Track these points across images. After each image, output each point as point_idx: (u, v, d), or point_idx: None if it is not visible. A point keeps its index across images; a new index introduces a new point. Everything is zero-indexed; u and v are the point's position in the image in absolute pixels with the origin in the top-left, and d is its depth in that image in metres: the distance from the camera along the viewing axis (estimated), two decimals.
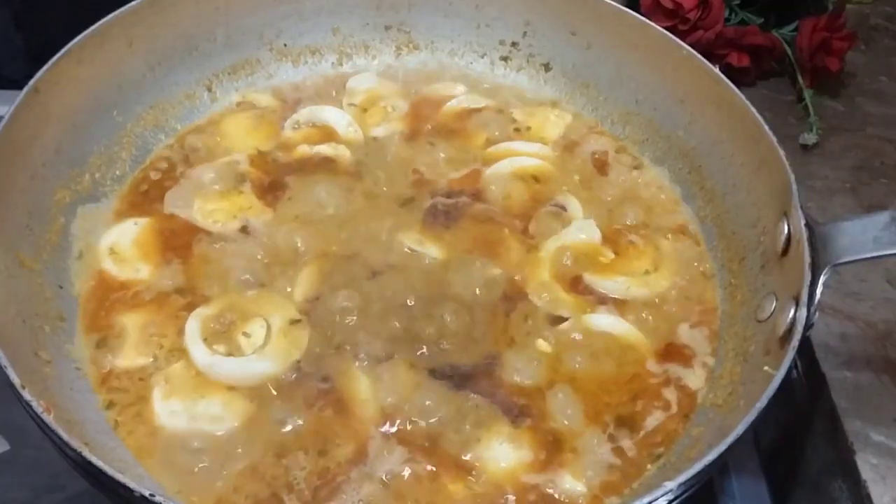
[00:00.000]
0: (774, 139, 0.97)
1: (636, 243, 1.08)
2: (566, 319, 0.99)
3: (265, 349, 0.93)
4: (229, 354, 0.92)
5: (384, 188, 1.11)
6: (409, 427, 0.88)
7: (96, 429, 0.87)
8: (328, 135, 1.18)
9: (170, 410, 0.89)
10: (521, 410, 0.90)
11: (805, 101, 1.29)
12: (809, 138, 1.24)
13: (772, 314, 0.90)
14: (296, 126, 1.19)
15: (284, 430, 0.88)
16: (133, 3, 1.09)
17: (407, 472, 0.85)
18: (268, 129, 1.19)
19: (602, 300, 1.01)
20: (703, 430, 0.89)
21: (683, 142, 1.14)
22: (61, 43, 1.02)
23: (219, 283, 0.99)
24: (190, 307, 0.97)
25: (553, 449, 0.88)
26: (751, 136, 1.01)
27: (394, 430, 0.88)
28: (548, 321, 0.98)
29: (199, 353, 0.92)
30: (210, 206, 1.07)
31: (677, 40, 1.12)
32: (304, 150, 1.16)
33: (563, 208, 1.10)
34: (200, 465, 0.85)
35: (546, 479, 0.86)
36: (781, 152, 0.95)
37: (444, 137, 1.19)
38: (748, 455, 1.07)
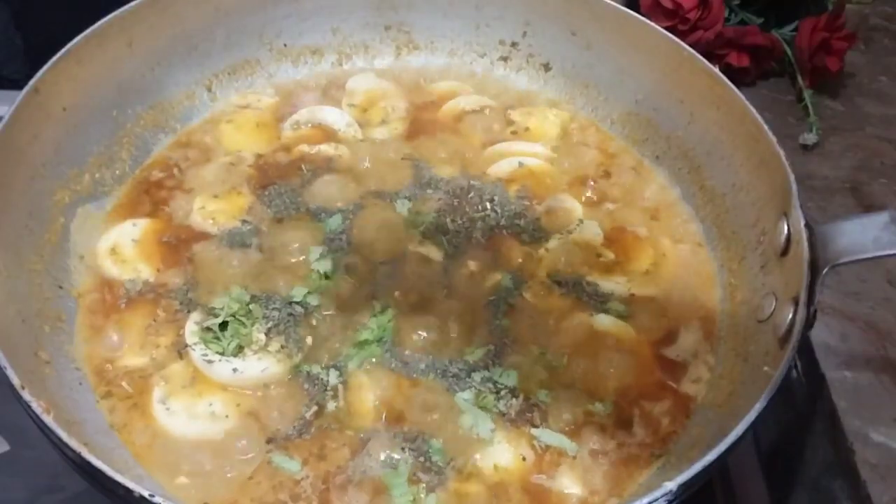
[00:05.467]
0: (774, 139, 0.97)
1: (636, 243, 1.08)
2: (566, 320, 0.98)
3: (265, 350, 0.93)
4: (229, 355, 0.92)
5: (384, 188, 1.11)
6: (408, 427, 0.88)
7: (96, 429, 0.87)
8: (328, 135, 1.19)
9: (169, 410, 0.89)
10: (520, 410, 0.90)
11: (805, 101, 1.29)
12: (809, 138, 1.24)
13: (771, 314, 0.90)
14: (296, 126, 1.19)
15: (284, 431, 0.88)
16: (133, 3, 1.09)
17: (406, 473, 0.85)
18: (268, 129, 1.20)
19: (602, 300, 1.01)
20: (703, 430, 0.89)
21: (683, 142, 1.14)
22: (61, 43, 1.02)
23: (218, 284, 0.99)
24: (189, 307, 0.97)
25: (552, 449, 0.88)
26: (751, 136, 1.01)
27: (393, 429, 0.88)
28: (548, 321, 0.98)
29: (199, 353, 0.92)
30: (210, 207, 1.07)
31: (677, 40, 1.12)
32: (304, 150, 1.16)
33: (563, 208, 1.10)
34: (200, 465, 0.85)
35: (545, 479, 0.86)
36: (781, 152, 0.95)
37: (444, 137, 1.19)
38: (748, 455, 1.06)
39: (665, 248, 1.08)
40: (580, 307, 1.00)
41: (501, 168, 1.14)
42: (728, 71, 1.23)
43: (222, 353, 0.92)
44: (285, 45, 1.26)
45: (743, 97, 1.03)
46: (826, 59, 1.30)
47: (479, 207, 1.08)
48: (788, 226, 0.91)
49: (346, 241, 1.04)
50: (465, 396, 0.90)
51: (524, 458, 0.87)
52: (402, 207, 1.08)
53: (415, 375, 0.92)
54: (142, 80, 1.14)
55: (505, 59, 1.29)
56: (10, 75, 1.67)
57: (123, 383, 0.92)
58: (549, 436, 0.88)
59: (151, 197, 1.10)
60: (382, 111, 1.22)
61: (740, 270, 1.02)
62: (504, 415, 0.89)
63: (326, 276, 0.99)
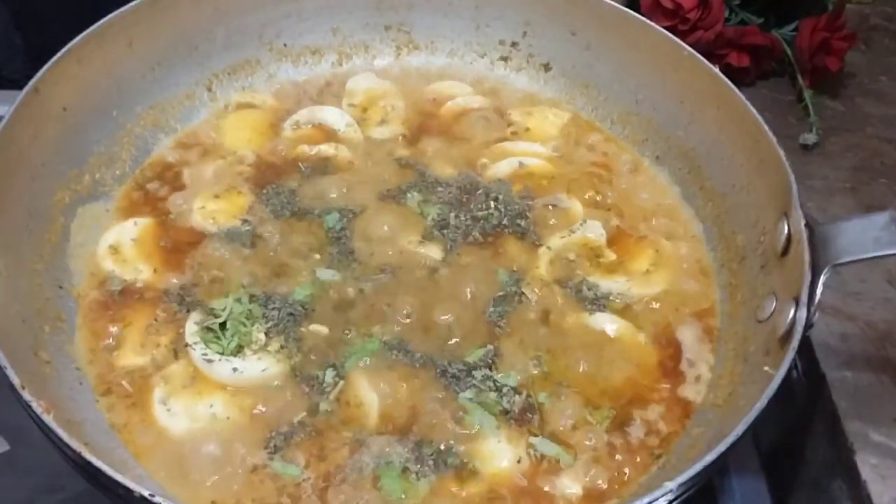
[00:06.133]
0: (774, 139, 0.97)
1: (636, 243, 1.08)
2: (566, 319, 0.98)
3: (265, 350, 0.93)
4: (229, 355, 0.92)
5: (384, 189, 1.11)
6: (407, 427, 0.88)
7: (96, 429, 0.87)
8: (328, 135, 1.19)
9: (169, 411, 0.89)
10: (520, 411, 0.90)
11: (805, 101, 1.29)
12: (809, 138, 1.24)
13: (772, 314, 0.90)
14: (296, 126, 1.19)
15: (284, 431, 0.88)
16: (133, 3, 1.09)
17: (406, 473, 0.85)
18: (268, 129, 1.20)
19: (602, 300, 1.01)
20: (703, 430, 0.89)
21: (683, 142, 1.14)
22: (61, 43, 1.02)
23: (218, 284, 0.99)
24: (189, 307, 0.97)
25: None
26: (751, 136, 1.01)
27: (393, 430, 0.88)
28: (548, 321, 0.98)
29: (199, 352, 0.92)
30: (210, 207, 1.07)
31: (677, 40, 1.12)
32: (304, 150, 1.16)
33: (564, 208, 1.10)
34: (200, 465, 0.85)
35: (545, 479, 0.86)
36: (781, 152, 0.95)
37: (444, 137, 1.19)
38: (748, 455, 1.06)
39: (665, 248, 1.08)
40: (581, 307, 1.00)
41: (502, 168, 1.14)
42: (728, 71, 1.23)
43: (222, 353, 0.92)
44: (285, 45, 1.26)
45: (743, 97, 1.03)
46: (826, 59, 1.30)
47: (483, 206, 1.08)
48: (788, 226, 0.91)
49: (346, 239, 1.04)
50: (467, 395, 0.90)
51: (524, 458, 0.87)
52: (402, 207, 1.08)
53: (414, 375, 0.92)
54: (142, 80, 1.14)
55: (505, 59, 1.29)
56: (10, 75, 1.67)
57: (124, 383, 0.92)
58: (547, 446, 0.88)
59: (151, 197, 1.10)
60: (382, 111, 1.22)
61: (740, 270, 1.02)
62: (507, 413, 0.89)
63: (326, 277, 0.99)
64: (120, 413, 0.89)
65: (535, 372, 0.93)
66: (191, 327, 0.94)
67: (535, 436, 0.88)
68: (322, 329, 0.95)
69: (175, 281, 1.00)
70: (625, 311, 1.00)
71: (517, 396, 0.90)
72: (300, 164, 1.14)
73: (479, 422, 0.88)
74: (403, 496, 0.83)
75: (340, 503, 0.83)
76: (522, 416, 0.90)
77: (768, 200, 0.98)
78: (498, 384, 0.91)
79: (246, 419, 0.89)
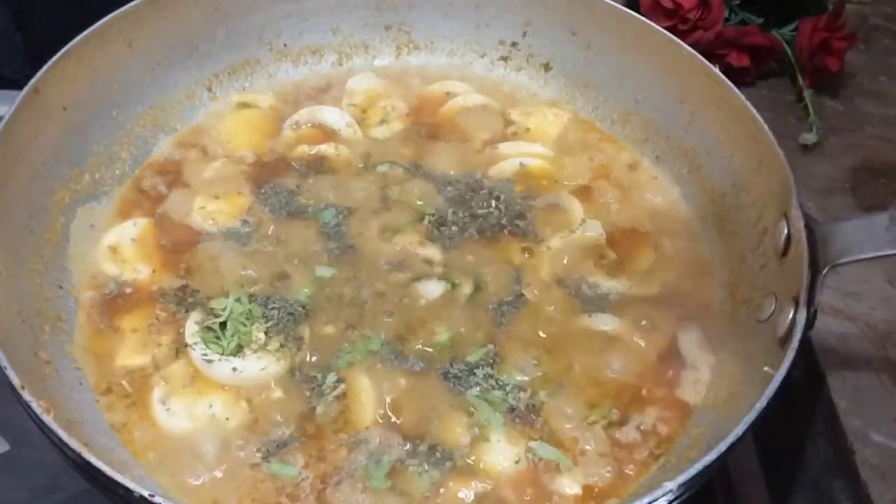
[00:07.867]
0: (774, 139, 0.97)
1: (636, 243, 1.08)
2: (566, 319, 0.98)
3: (264, 349, 0.93)
4: (229, 355, 0.92)
5: (383, 188, 1.11)
6: (408, 426, 0.88)
7: (96, 429, 0.87)
8: (328, 135, 1.19)
9: (169, 410, 0.89)
10: (520, 410, 0.90)
11: (805, 101, 1.29)
12: (809, 138, 1.24)
13: (772, 314, 0.90)
14: (295, 126, 1.19)
15: (283, 431, 0.88)
16: (133, 3, 1.09)
17: (406, 472, 0.85)
18: (268, 129, 1.20)
19: (602, 300, 1.01)
20: (703, 430, 0.89)
21: (683, 142, 1.14)
22: (61, 43, 1.02)
23: (218, 284, 0.99)
24: (189, 307, 0.97)
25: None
26: (751, 136, 1.01)
27: (393, 429, 0.88)
28: (548, 321, 0.98)
29: (199, 352, 0.92)
30: (210, 207, 1.07)
31: (677, 40, 1.12)
32: (303, 150, 1.16)
33: (564, 208, 1.10)
34: (200, 465, 0.85)
35: (545, 479, 0.86)
36: (781, 152, 0.95)
37: (444, 138, 1.19)
38: (748, 455, 1.06)
39: (665, 248, 1.08)
40: (581, 307, 1.00)
41: (502, 168, 1.14)
42: (728, 71, 1.23)
43: (222, 353, 0.92)
44: (285, 45, 1.26)
45: (743, 97, 1.03)
46: (826, 59, 1.30)
47: (484, 204, 1.08)
48: (788, 226, 0.91)
49: (344, 237, 1.04)
50: (474, 393, 0.90)
51: (523, 459, 0.87)
52: (411, 200, 1.08)
53: (414, 375, 0.92)
54: (142, 80, 1.14)
55: (505, 59, 1.29)
56: (10, 75, 1.67)
57: (123, 383, 0.92)
58: (546, 450, 0.88)
59: (151, 197, 1.10)
60: (382, 111, 1.22)
61: (740, 270, 1.02)
62: (513, 410, 0.89)
63: (325, 276, 0.99)
64: (120, 413, 0.89)
65: (536, 372, 0.93)
66: (191, 327, 0.94)
67: (535, 440, 0.88)
68: (322, 328, 0.95)
69: (174, 281, 1.00)
70: (624, 311, 1.00)
71: (522, 393, 0.90)
72: (300, 164, 1.14)
73: (486, 419, 0.88)
74: (398, 494, 0.83)
75: (339, 503, 0.83)
76: (527, 416, 0.90)
77: (768, 200, 0.98)
78: (501, 382, 0.91)
79: (245, 419, 0.89)
